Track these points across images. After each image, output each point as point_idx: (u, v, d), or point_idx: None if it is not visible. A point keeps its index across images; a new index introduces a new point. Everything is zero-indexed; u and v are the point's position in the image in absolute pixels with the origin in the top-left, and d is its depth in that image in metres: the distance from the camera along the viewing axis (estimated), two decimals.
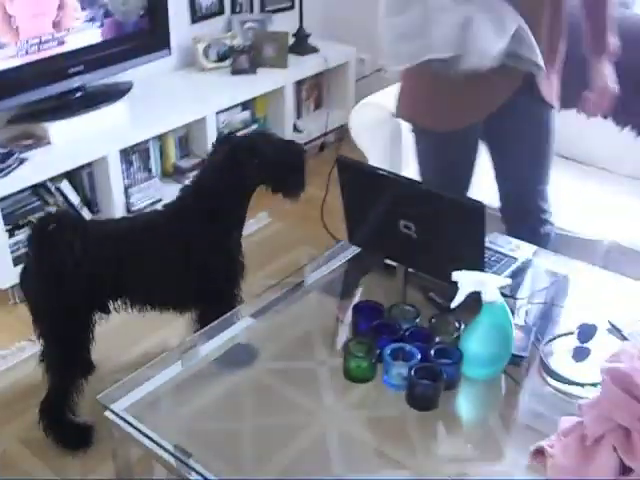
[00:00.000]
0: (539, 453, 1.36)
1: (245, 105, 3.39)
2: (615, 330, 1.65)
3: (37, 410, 2.06)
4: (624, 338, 1.62)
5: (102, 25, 2.78)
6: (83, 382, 2.03)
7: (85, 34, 2.73)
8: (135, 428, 1.42)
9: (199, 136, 3.16)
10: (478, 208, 1.60)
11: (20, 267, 2.06)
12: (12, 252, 2.57)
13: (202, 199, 1.96)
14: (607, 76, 1.98)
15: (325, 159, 3.46)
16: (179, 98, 3.12)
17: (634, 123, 2.54)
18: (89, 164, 2.78)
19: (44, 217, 2.04)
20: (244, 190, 1.99)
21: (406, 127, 2.34)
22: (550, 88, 1.96)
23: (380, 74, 3.82)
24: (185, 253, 1.96)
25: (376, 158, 2.65)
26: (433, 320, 1.62)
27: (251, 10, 3.66)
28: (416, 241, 1.75)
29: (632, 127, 2.55)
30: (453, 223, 1.67)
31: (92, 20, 2.75)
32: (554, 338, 1.64)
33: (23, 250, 2.54)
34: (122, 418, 1.44)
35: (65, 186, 2.75)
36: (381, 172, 1.78)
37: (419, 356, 1.50)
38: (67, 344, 1.98)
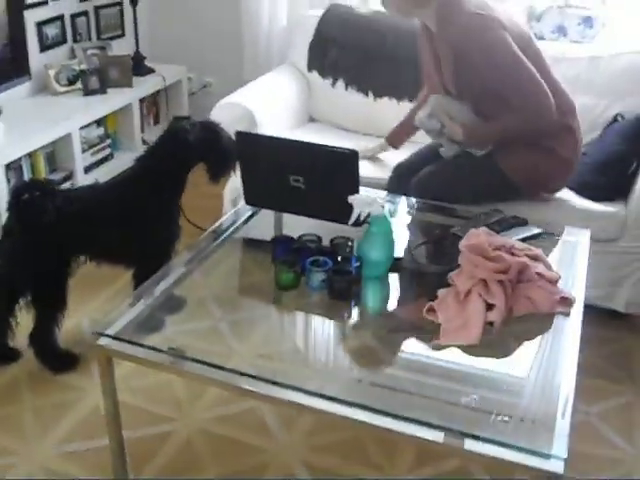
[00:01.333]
0: (431, 311, 1.93)
1: (99, 122, 3.75)
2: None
3: None
4: None
5: None
6: (63, 315, 2.49)
7: None
8: (132, 343, 1.82)
9: (66, 151, 3.50)
10: (352, 155, 2.16)
11: None
12: None
13: (151, 172, 2.40)
14: None
15: None
16: (43, 119, 3.44)
17: None
18: None
19: (21, 184, 2.59)
20: (184, 167, 2.45)
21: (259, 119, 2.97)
22: None
23: (205, 89, 4.37)
24: (135, 217, 2.40)
25: None
26: (333, 241, 2.16)
27: (89, 38, 4.04)
28: (305, 191, 2.27)
29: None
30: (333, 170, 2.20)
31: None
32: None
33: None
34: (118, 338, 1.84)
35: None
36: (271, 137, 2.30)
37: (331, 263, 2.03)
38: (46, 285, 2.42)
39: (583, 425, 2.31)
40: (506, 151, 2.59)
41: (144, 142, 4.02)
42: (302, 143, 2.38)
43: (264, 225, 2.47)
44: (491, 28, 2.42)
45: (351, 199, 2.02)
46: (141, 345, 1.82)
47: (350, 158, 2.15)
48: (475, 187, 2.56)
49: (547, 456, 1.50)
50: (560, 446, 1.50)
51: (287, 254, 2.10)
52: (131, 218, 2.43)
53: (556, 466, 1.48)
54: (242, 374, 1.73)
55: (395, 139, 3.02)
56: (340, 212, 2.18)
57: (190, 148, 2.38)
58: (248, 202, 2.43)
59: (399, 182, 2.74)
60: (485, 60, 2.44)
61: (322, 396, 1.65)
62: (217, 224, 2.44)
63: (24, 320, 2.56)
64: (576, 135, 2.64)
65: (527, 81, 2.47)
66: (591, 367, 2.54)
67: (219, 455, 2.22)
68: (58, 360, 2.57)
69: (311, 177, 2.23)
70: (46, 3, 3.71)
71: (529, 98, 2.48)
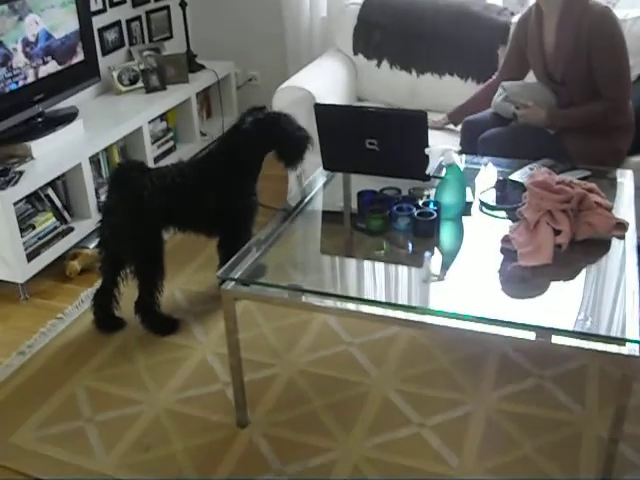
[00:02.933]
0: (507, 240, 2.24)
1: (161, 117, 4.08)
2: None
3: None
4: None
5: (54, 58, 3.38)
6: (163, 283, 2.77)
7: (44, 66, 3.32)
8: (255, 284, 2.14)
9: (136, 144, 3.82)
10: (421, 115, 2.46)
11: (33, 262, 2.96)
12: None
13: (229, 154, 2.72)
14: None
15: None
16: (114, 116, 3.76)
17: None
18: (63, 173, 3.36)
19: (120, 164, 2.93)
20: (260, 152, 2.76)
21: (317, 99, 3.24)
22: None
23: (251, 83, 4.69)
24: (218, 191, 2.71)
25: None
26: (412, 190, 2.47)
27: (142, 41, 4.37)
28: (379, 153, 2.56)
29: None
30: (404, 131, 2.50)
31: (45, 55, 3.34)
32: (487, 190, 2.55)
33: (34, 247, 3.16)
34: (240, 280, 2.15)
35: (51, 193, 3.32)
36: (347, 106, 2.61)
37: (414, 209, 2.34)
38: (148, 255, 2.71)
39: None
40: (575, 132, 2.87)
41: (202, 134, 4.33)
42: (375, 109, 2.68)
43: (335, 199, 2.77)
44: (617, 23, 2.77)
45: (427, 150, 2.32)
46: (264, 284, 2.12)
47: (420, 119, 2.45)
48: (535, 155, 2.78)
49: (623, 341, 1.79)
50: (634, 333, 1.79)
51: (373, 204, 2.40)
52: (211, 192, 2.73)
53: (632, 349, 1.77)
54: (359, 300, 2.03)
55: (457, 117, 3.32)
56: (412, 169, 2.49)
57: (266, 138, 2.69)
58: (326, 168, 2.72)
59: (465, 136, 3.04)
60: (606, 51, 2.77)
61: (441, 313, 1.96)
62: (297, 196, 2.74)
63: (126, 292, 2.88)
64: (633, 130, 2.94)
65: (627, 77, 2.83)
66: None
67: (321, 390, 2.52)
68: (162, 324, 2.87)
69: (385, 139, 2.52)
70: (105, 10, 4.02)
71: (622, 92, 2.83)
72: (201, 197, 2.72)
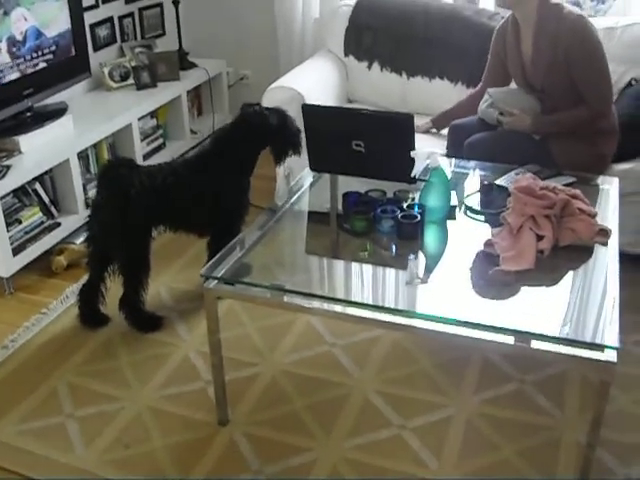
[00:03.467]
0: (489, 244, 2.25)
1: (151, 114, 4.07)
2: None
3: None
4: None
5: (43, 54, 3.38)
6: (148, 281, 2.76)
7: (33, 61, 3.32)
8: (238, 283, 2.14)
9: (126, 141, 3.81)
10: (408, 118, 2.47)
11: (19, 256, 2.99)
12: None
13: (226, 151, 2.73)
14: None
15: None
16: (104, 112, 3.76)
17: None
18: (51, 168, 3.35)
19: (109, 161, 2.87)
20: (257, 148, 2.78)
21: (307, 100, 3.26)
22: None
23: (242, 82, 4.70)
24: (210, 190, 2.72)
25: None
26: (397, 193, 2.48)
27: (135, 38, 4.36)
28: (365, 155, 2.57)
29: None
30: (391, 134, 2.51)
31: (35, 50, 3.34)
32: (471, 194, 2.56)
33: (20, 242, 3.17)
34: (223, 279, 2.15)
35: (38, 187, 3.31)
36: (335, 107, 2.61)
37: (399, 211, 2.35)
38: (134, 252, 2.71)
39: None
40: (560, 138, 2.89)
41: (192, 132, 4.33)
42: (362, 111, 2.70)
43: (321, 200, 2.78)
44: (592, 31, 2.78)
45: (413, 153, 2.33)
46: (247, 283, 2.13)
47: (406, 121, 2.46)
48: (521, 161, 2.80)
49: (601, 347, 1.80)
50: (612, 339, 1.80)
51: (358, 206, 2.40)
52: (206, 192, 2.74)
53: (610, 356, 1.78)
54: (342, 301, 2.04)
55: (440, 123, 3.34)
56: (398, 171, 2.50)
57: (264, 133, 2.71)
58: (313, 168, 2.73)
59: (452, 140, 3.05)
60: (583, 59, 2.78)
61: (421, 315, 1.98)
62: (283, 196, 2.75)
63: (112, 288, 2.88)
64: (617, 135, 2.96)
65: (607, 83, 2.85)
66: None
67: (303, 391, 2.53)
68: (146, 321, 2.87)
69: (371, 141, 2.53)
70: (97, 6, 4.02)
71: (604, 97, 2.85)
72: (196, 197, 2.72)
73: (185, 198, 2.71)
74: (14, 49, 3.20)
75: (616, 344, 1.78)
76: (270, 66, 4.45)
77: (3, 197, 3.04)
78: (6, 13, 3.15)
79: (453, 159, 2.92)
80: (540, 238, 2.18)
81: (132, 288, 2.78)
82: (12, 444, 2.32)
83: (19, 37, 3.22)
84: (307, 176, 2.80)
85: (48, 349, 2.77)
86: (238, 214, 2.80)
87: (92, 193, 3.47)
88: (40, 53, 3.35)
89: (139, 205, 2.63)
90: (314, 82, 3.64)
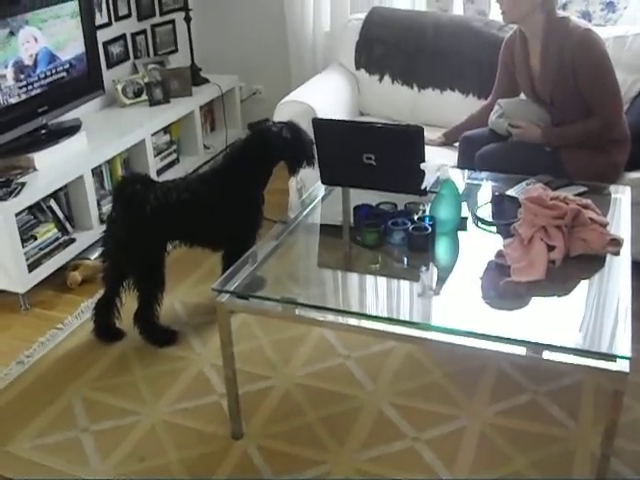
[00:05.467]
0: (501, 255, 2.25)
1: (165, 130, 4.11)
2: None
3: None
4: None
5: (56, 71, 3.42)
6: (163, 296, 2.78)
7: (47, 79, 3.36)
8: (250, 296, 2.16)
9: (139, 157, 3.85)
10: (418, 131, 2.48)
11: (34, 272, 3.01)
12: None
13: (240, 167, 2.74)
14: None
15: None
16: (118, 128, 3.79)
17: None
18: (65, 185, 3.39)
19: (124, 178, 2.87)
20: (271, 163, 2.80)
21: (319, 114, 3.28)
22: None
23: (255, 96, 4.73)
24: (224, 206, 2.73)
25: None
26: (408, 205, 2.49)
27: (147, 55, 4.41)
28: (376, 167, 2.58)
29: None
30: (401, 146, 2.52)
31: (49, 68, 3.38)
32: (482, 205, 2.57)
33: (35, 258, 3.19)
34: (235, 293, 2.17)
35: (53, 204, 3.35)
36: (345, 121, 2.63)
37: (409, 224, 2.35)
38: (149, 267, 2.72)
39: None
40: (571, 148, 2.89)
41: (205, 147, 4.37)
42: (373, 124, 2.70)
43: (333, 213, 2.79)
44: (599, 43, 2.79)
45: (424, 166, 2.34)
46: (259, 297, 2.14)
47: (416, 134, 2.46)
48: (532, 171, 2.78)
49: (614, 357, 1.79)
50: (624, 349, 1.80)
51: (369, 218, 2.41)
52: (221, 207, 2.75)
53: (622, 366, 1.78)
54: (355, 314, 2.05)
55: (453, 136, 3.34)
56: (409, 183, 2.51)
57: (279, 147, 2.72)
58: (324, 182, 2.74)
59: (463, 152, 3.06)
60: (590, 72, 2.79)
61: (433, 327, 1.98)
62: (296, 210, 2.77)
63: (127, 303, 2.89)
64: (629, 143, 2.96)
65: (616, 93, 2.85)
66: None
67: (316, 403, 2.53)
68: (160, 336, 2.89)
69: (382, 154, 2.54)
70: (110, 24, 4.07)
71: (613, 109, 2.85)
72: (211, 212, 2.74)
73: (200, 214, 2.73)
74: (22, 75, 3.23)
75: (629, 354, 1.78)
76: (282, 80, 4.48)
77: (18, 214, 3.07)
78: (12, 33, 3.17)
79: (464, 170, 2.91)
80: (551, 248, 2.18)
81: (147, 303, 2.80)
82: (28, 458, 2.34)
83: (28, 61, 3.25)
84: (319, 189, 2.80)
85: (63, 364, 2.79)
86: (252, 228, 2.82)
87: (106, 209, 3.50)
88: (54, 71, 3.38)
89: (154, 221, 2.65)
90: (326, 95, 3.66)
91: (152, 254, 2.74)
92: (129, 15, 4.21)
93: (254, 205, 2.82)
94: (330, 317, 2.08)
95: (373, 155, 2.54)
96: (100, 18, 3.93)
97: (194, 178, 2.89)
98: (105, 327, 2.89)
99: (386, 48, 3.77)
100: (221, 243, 2.88)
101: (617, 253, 2.25)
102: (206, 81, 4.44)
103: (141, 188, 2.68)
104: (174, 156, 4.16)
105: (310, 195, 2.81)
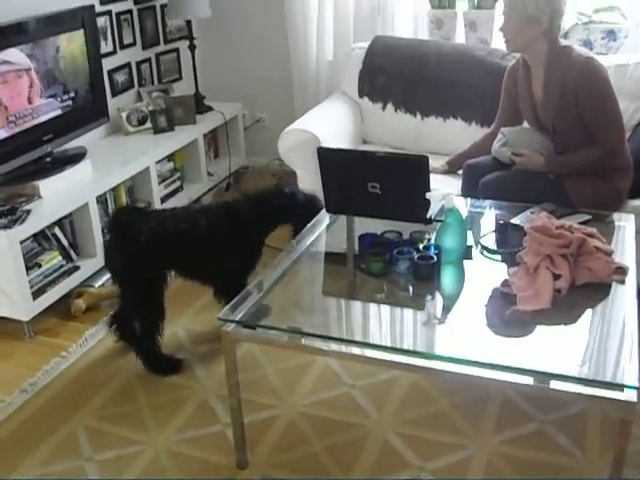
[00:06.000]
0: (506, 284, 2.25)
1: (169, 158, 4.13)
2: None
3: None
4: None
5: (62, 100, 3.45)
6: (163, 325, 2.78)
7: (50, 107, 3.38)
8: (257, 326, 2.15)
9: (144, 184, 3.87)
10: (423, 160, 2.49)
11: (39, 300, 2.99)
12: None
13: (246, 218, 2.76)
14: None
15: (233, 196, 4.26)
16: (122, 156, 3.82)
17: None
18: (70, 213, 3.40)
19: (119, 209, 2.90)
20: (278, 223, 2.84)
21: (322, 142, 3.30)
22: None
23: (258, 124, 4.76)
24: (220, 247, 2.74)
25: (304, 172, 3.50)
26: (413, 234, 2.49)
27: (152, 83, 4.44)
28: (381, 196, 2.59)
29: None
30: (406, 175, 2.53)
31: (54, 96, 3.41)
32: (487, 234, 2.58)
33: (39, 285, 3.19)
34: (241, 322, 2.17)
35: (58, 232, 3.36)
36: (350, 150, 2.64)
37: (415, 252, 2.36)
38: (146, 296, 2.71)
39: None
40: (574, 176, 2.90)
41: (209, 174, 4.39)
42: (377, 153, 2.72)
43: (338, 241, 2.80)
44: (601, 71, 2.82)
45: (428, 195, 2.35)
46: (265, 327, 2.14)
47: (421, 163, 2.48)
48: (536, 199, 2.79)
49: (621, 387, 1.79)
50: (632, 379, 1.79)
51: (374, 247, 2.42)
52: (222, 243, 2.75)
53: (630, 395, 1.77)
54: (360, 343, 2.04)
55: (456, 165, 3.36)
56: (414, 212, 2.52)
57: (298, 215, 2.77)
58: (329, 210, 2.75)
59: (467, 180, 3.07)
60: (592, 100, 2.81)
61: (439, 357, 1.98)
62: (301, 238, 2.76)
63: None
64: (632, 171, 2.98)
65: (618, 121, 2.86)
66: None
67: (322, 433, 2.52)
68: (164, 364, 2.87)
69: (387, 183, 2.55)
70: (115, 52, 4.10)
71: (616, 136, 2.87)
72: (212, 247, 2.73)
73: (198, 246, 2.72)
74: (28, 103, 3.25)
75: (636, 383, 1.77)
76: (286, 108, 4.52)
77: (23, 241, 3.08)
78: None
79: (468, 199, 2.92)
80: (557, 277, 2.18)
81: (147, 332, 2.79)
82: None
83: (35, 90, 3.27)
84: (324, 218, 2.80)
85: (67, 392, 2.78)
86: (243, 270, 2.82)
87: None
88: (59, 100, 3.40)
89: (148, 251, 2.64)
90: (329, 124, 3.68)
91: (147, 284, 2.73)
92: (134, 43, 4.25)
93: (249, 252, 2.82)
94: (335, 347, 2.07)
95: (378, 184, 2.55)
96: (105, 46, 3.96)
97: (196, 209, 2.88)
98: (123, 334, 2.92)
99: (389, 76, 3.80)
100: (212, 278, 2.87)
101: (622, 281, 2.25)
102: (210, 109, 4.47)
103: (135, 219, 2.69)
104: (178, 183, 4.18)
105: (315, 223, 2.81)
